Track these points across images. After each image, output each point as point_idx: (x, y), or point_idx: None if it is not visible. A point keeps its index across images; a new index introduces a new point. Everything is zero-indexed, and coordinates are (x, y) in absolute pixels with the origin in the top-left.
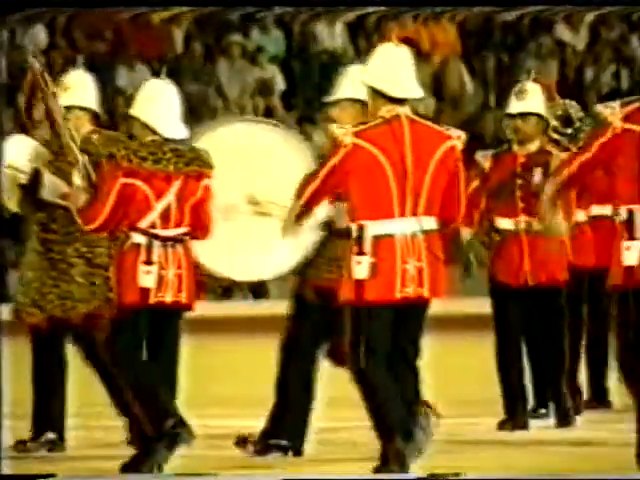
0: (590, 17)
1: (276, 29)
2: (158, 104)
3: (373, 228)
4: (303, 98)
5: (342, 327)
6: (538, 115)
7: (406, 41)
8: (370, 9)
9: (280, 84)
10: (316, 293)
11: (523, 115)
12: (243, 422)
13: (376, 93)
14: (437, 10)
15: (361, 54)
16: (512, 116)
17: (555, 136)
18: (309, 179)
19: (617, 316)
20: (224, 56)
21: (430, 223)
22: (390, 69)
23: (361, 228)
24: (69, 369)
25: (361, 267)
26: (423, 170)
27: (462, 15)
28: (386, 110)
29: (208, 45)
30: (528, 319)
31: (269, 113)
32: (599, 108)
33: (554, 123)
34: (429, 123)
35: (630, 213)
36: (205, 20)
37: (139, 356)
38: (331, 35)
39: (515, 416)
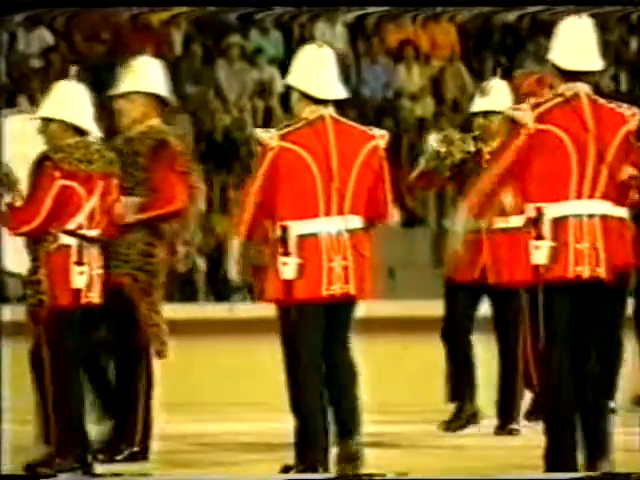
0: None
1: (275, 30)
2: (81, 105)
3: (297, 228)
4: None
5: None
6: (501, 113)
7: (405, 42)
8: (369, 9)
9: (279, 85)
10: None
11: (486, 113)
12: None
13: (300, 95)
14: (437, 11)
15: (360, 55)
16: (475, 114)
17: None
18: (246, 192)
19: (528, 313)
20: (223, 57)
21: (355, 222)
22: (313, 71)
23: (285, 229)
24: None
25: (288, 268)
26: (348, 170)
27: (462, 16)
28: (310, 111)
29: (207, 46)
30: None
31: (268, 114)
32: (509, 111)
33: None
34: (353, 123)
35: (539, 212)
36: (204, 21)
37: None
38: (331, 36)
39: (509, 423)
